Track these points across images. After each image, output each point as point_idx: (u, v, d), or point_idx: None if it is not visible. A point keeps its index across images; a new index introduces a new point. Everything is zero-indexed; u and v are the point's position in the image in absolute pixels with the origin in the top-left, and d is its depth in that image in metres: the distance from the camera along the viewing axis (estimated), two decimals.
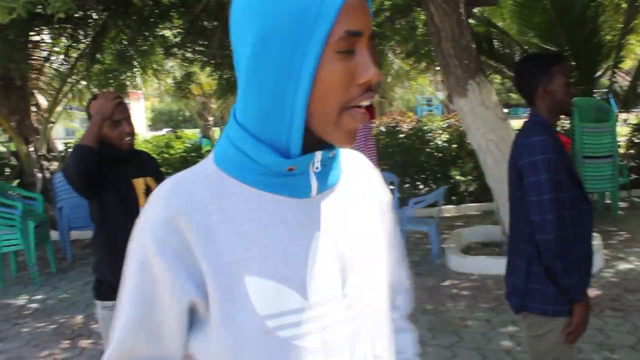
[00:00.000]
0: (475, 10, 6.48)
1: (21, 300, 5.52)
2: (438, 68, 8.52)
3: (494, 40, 7.53)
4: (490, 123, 5.07)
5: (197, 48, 7.60)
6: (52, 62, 8.99)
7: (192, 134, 20.99)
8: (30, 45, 8.23)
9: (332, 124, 0.76)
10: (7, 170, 8.10)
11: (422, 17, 7.28)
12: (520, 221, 2.08)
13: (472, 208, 8.18)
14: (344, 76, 0.74)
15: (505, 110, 5.75)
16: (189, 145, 9.39)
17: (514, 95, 28.17)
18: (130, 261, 0.80)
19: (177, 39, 7.87)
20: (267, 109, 0.77)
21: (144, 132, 29.46)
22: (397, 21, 7.44)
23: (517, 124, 7.54)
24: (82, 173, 2.27)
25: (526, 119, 2.17)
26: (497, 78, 10.64)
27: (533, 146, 1.97)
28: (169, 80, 9.59)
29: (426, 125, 8.80)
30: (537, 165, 1.95)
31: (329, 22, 0.72)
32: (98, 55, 8.03)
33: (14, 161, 8.31)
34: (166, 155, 8.80)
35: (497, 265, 5.21)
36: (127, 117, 2.44)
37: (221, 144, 0.83)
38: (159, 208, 0.78)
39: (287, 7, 0.72)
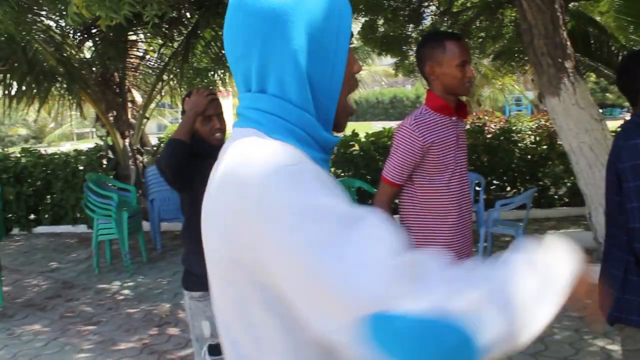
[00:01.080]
0: (570, 5, 6.21)
1: (114, 286, 5.81)
2: (527, 67, 8.25)
3: (590, 37, 7.19)
4: (584, 124, 4.86)
5: None
6: (147, 61, 9.38)
7: None
8: (127, 45, 8.63)
9: (346, 111, 0.98)
10: (105, 163, 8.53)
11: (512, 14, 7.07)
12: (617, 228, 1.97)
13: (561, 212, 7.86)
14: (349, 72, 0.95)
15: (600, 111, 5.45)
16: None
17: (610, 95, 26.80)
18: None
19: None
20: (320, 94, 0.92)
21: (231, 129, 30.18)
22: (485, 20, 7.26)
23: (613, 125, 7.18)
24: (175, 166, 2.36)
25: (627, 120, 2.05)
26: (592, 77, 10.15)
27: (635, 149, 1.86)
28: None
29: (515, 126, 8.53)
30: (639, 170, 1.84)
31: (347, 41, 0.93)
32: (190, 54, 8.32)
33: (110, 154, 8.74)
34: None
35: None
36: (219, 113, 2.51)
37: (274, 128, 0.89)
38: None
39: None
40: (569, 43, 4.89)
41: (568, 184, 7.89)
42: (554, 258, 0.84)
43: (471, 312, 0.69)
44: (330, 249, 0.72)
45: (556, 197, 8.11)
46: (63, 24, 7.34)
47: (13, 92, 7.92)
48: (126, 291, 5.64)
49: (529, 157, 8.06)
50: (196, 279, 2.43)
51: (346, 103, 0.96)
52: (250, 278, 0.82)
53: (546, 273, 0.80)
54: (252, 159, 0.81)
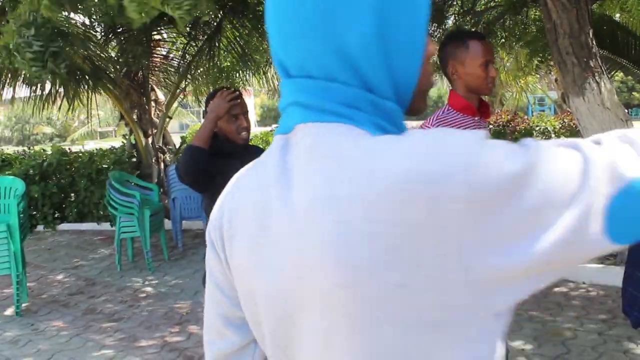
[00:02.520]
0: (594, 5, 6.13)
1: (136, 284, 5.86)
2: (552, 65, 8.15)
3: (618, 34, 7.08)
4: (610, 125, 4.78)
5: None
6: (171, 60, 9.46)
7: None
8: (151, 44, 8.70)
9: (425, 93, 0.81)
10: (128, 161, 8.61)
11: (536, 13, 6.99)
12: None
13: None
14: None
15: (626, 111, 5.37)
16: None
17: (636, 95, 26.39)
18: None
19: None
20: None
21: (253, 128, 30.37)
22: (509, 19, 7.19)
23: (639, 125, 7.07)
24: (193, 174, 2.37)
25: None
26: (619, 76, 10.00)
27: None
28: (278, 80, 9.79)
29: (538, 126, 8.45)
30: None
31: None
32: (214, 53, 8.36)
33: (134, 153, 8.83)
34: None
35: (611, 276, 4.92)
36: (245, 112, 2.51)
37: (367, 123, 0.72)
38: None
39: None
40: (594, 42, 4.83)
41: None
42: None
43: None
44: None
45: None
46: (90, 22, 7.42)
47: (42, 92, 8.04)
48: (147, 289, 5.69)
49: None
50: None
51: (427, 82, 0.79)
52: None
53: None
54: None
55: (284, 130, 0.77)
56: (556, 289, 4.97)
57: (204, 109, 2.65)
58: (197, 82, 9.20)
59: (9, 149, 16.99)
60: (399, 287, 0.65)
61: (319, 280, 0.68)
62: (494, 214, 0.62)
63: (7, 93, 8.28)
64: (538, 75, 12.92)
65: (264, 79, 9.82)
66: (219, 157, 2.43)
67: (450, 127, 2.20)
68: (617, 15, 8.18)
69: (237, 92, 2.54)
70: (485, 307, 0.67)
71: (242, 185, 0.83)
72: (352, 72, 0.72)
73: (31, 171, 8.51)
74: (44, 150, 9.21)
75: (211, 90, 9.96)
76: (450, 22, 7.44)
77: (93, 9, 4.73)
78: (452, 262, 0.64)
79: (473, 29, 7.00)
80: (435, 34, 7.39)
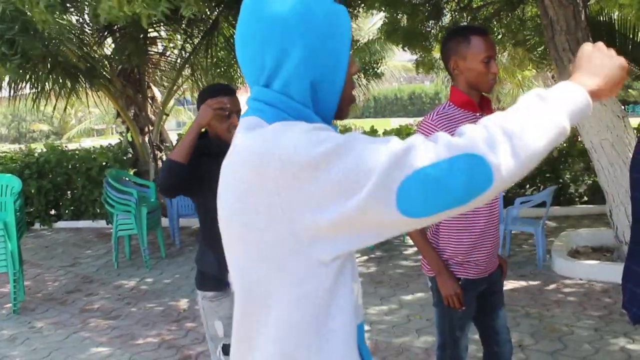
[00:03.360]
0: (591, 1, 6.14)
1: (133, 281, 5.86)
2: (545, 62, 8.16)
3: (615, 32, 7.08)
4: (606, 121, 4.79)
5: None
6: (167, 57, 9.44)
7: None
8: (147, 42, 8.68)
9: (349, 101, 1.12)
10: (124, 159, 8.60)
11: (533, 10, 6.99)
12: None
13: (581, 210, 7.77)
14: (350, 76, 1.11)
15: (622, 108, 5.35)
16: None
17: (632, 92, 26.41)
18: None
19: None
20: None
21: None
22: (505, 15, 7.19)
23: (635, 122, 7.07)
24: (173, 189, 2.33)
25: None
26: None
27: None
28: None
29: None
30: None
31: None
32: (209, 50, 8.35)
33: (130, 151, 8.82)
34: None
35: (607, 272, 4.93)
36: (238, 111, 2.44)
37: (273, 117, 1.03)
38: None
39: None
40: (591, 39, 4.83)
41: (588, 182, 7.80)
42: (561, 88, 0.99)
43: (479, 141, 0.85)
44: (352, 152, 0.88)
45: (576, 194, 8.02)
46: (82, 21, 7.40)
47: (36, 90, 8.01)
48: (145, 286, 5.69)
49: (549, 154, 7.97)
50: (209, 279, 2.45)
51: (349, 98, 1.11)
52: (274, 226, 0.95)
53: (553, 97, 0.95)
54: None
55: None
56: (553, 285, 4.98)
57: (197, 106, 2.53)
58: (193, 79, 9.19)
59: (4, 147, 16.94)
60: (245, 225, 0.98)
61: (221, 210, 1.05)
62: (307, 182, 0.88)
63: (3, 91, 8.25)
64: (534, 71, 12.93)
65: None
66: (208, 156, 2.34)
67: (451, 122, 2.20)
68: (616, 13, 8.18)
69: (227, 96, 2.42)
70: (309, 254, 0.96)
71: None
72: (283, 85, 1.03)
73: (27, 171, 8.48)
74: (33, 149, 9.15)
75: (204, 87, 9.96)
76: (447, 19, 7.42)
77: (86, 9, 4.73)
78: (278, 213, 0.93)
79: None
80: (432, 31, 7.39)
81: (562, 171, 7.90)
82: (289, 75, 1.03)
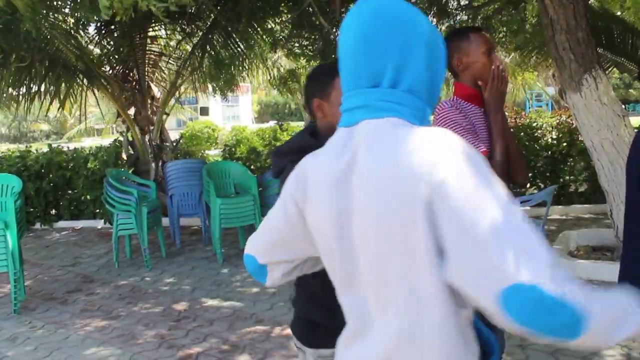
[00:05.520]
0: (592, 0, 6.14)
1: (133, 281, 5.86)
2: (545, 62, 8.16)
3: (614, 31, 7.09)
4: (607, 120, 4.79)
5: (303, 43, 7.72)
6: (166, 56, 9.43)
7: (296, 126, 21.38)
8: (146, 41, 8.68)
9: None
10: (124, 159, 8.60)
11: (534, 9, 6.99)
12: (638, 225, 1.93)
13: (581, 209, 7.77)
14: None
15: (623, 107, 5.35)
16: None
17: (633, 92, 26.42)
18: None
19: (284, 33, 8.01)
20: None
21: (250, 125, 30.31)
22: (507, 13, 7.19)
23: (636, 121, 7.06)
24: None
25: None
26: (615, 72, 10.00)
27: None
28: (275, 74, 9.77)
29: (535, 122, 8.45)
30: None
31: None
32: (209, 49, 8.35)
33: (130, 150, 8.82)
34: (272, 147, 8.98)
35: (608, 271, 4.93)
36: None
37: (410, 117, 1.10)
38: None
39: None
40: (591, 38, 4.83)
41: (589, 181, 7.80)
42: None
43: (586, 304, 0.90)
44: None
45: (577, 194, 8.02)
46: (81, 19, 7.40)
47: (34, 89, 8.02)
48: (145, 286, 5.69)
49: (550, 153, 7.98)
50: (327, 331, 1.66)
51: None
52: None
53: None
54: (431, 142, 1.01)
55: (348, 124, 1.14)
56: None
57: (304, 100, 2.04)
58: (193, 78, 9.19)
59: (4, 146, 16.94)
60: (411, 236, 0.99)
61: (370, 223, 1.05)
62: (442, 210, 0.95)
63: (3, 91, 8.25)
64: (536, 72, 12.93)
65: (262, 74, 9.81)
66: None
67: (465, 112, 2.21)
68: (618, 13, 8.18)
69: None
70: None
71: (316, 157, 1.20)
72: (412, 85, 1.11)
73: (25, 172, 8.48)
74: (30, 150, 9.15)
75: (210, 87, 10.02)
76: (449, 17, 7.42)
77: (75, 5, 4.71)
78: (422, 235, 0.98)
79: (471, 24, 7.00)
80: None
81: (563, 170, 7.90)
82: (415, 76, 1.11)
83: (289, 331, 4.37)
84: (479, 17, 7.20)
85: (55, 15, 6.53)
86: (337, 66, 1.70)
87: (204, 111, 36.12)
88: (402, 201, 0.99)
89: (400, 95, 1.10)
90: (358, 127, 1.12)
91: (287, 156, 1.82)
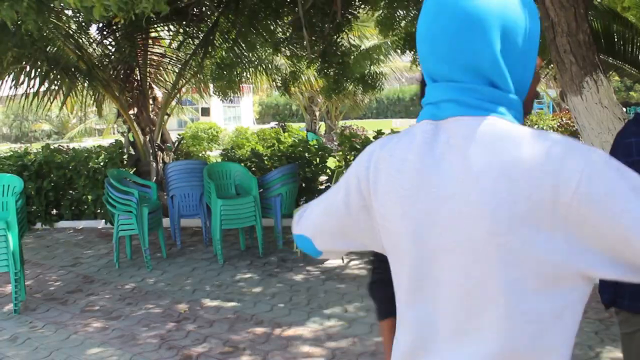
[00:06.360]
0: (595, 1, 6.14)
1: (134, 281, 5.87)
2: (546, 65, 8.15)
3: (615, 35, 7.08)
4: (607, 123, 4.79)
5: (305, 44, 7.72)
6: (168, 57, 9.45)
7: (297, 128, 21.40)
8: (148, 42, 8.70)
9: (533, 98, 1.11)
10: (125, 159, 8.62)
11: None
12: None
13: None
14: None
15: (624, 110, 5.36)
16: (296, 140, 9.52)
17: (634, 94, 26.41)
18: None
19: (286, 35, 8.02)
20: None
21: (251, 125, 30.33)
22: None
23: None
24: None
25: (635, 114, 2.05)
26: (616, 76, 10.01)
27: (628, 147, 1.87)
28: (277, 76, 9.78)
29: (536, 124, 8.46)
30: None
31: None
32: (211, 51, 8.36)
33: (132, 151, 8.83)
34: (275, 150, 8.97)
35: None
36: None
37: (513, 117, 1.00)
38: None
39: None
40: (592, 40, 4.83)
41: None
42: None
43: None
44: None
45: None
46: (82, 20, 7.43)
47: (35, 89, 8.03)
48: (146, 286, 5.69)
49: None
50: None
51: (534, 90, 1.09)
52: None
53: None
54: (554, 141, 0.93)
55: (435, 118, 1.02)
56: None
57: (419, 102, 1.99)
58: (195, 79, 9.21)
59: (6, 146, 16.93)
60: (526, 244, 0.90)
61: (474, 228, 0.94)
62: (588, 213, 0.88)
63: (4, 90, 8.27)
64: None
65: (263, 76, 9.82)
66: None
67: None
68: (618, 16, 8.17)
69: None
70: (577, 268, 0.92)
71: (391, 150, 1.07)
72: (489, 79, 0.99)
73: (26, 172, 8.48)
74: (29, 150, 9.16)
75: (211, 88, 10.01)
76: None
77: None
78: (560, 236, 0.90)
79: None
80: None
81: None
82: (508, 72, 1.00)
83: (289, 332, 4.38)
84: None
85: (59, 16, 6.54)
86: None
87: (205, 112, 36.10)
88: (526, 205, 0.90)
89: (489, 91, 0.99)
90: (448, 122, 1.01)
91: None
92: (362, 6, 7.27)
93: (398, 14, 6.98)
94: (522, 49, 1.00)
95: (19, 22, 4.93)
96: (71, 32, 7.74)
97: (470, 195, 0.94)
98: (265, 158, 8.64)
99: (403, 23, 7.12)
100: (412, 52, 7.68)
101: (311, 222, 1.27)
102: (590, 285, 0.97)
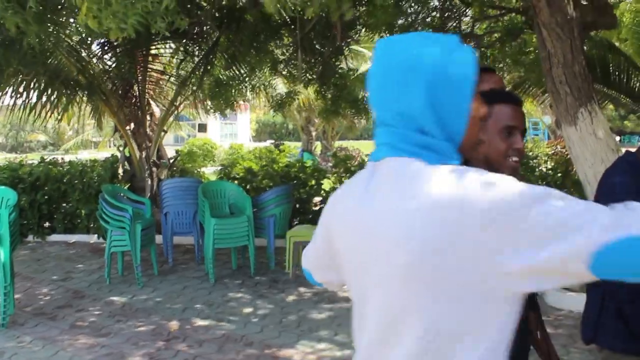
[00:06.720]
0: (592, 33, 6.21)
1: (124, 298, 5.83)
2: (543, 93, 8.24)
3: (610, 65, 7.17)
4: (601, 154, 4.83)
5: (304, 66, 7.78)
6: (168, 75, 9.49)
7: (293, 147, 21.45)
8: (148, 59, 8.74)
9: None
10: (121, 174, 8.61)
11: (533, 40, 7.06)
12: None
13: None
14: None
15: (618, 138, 5.42)
16: (290, 160, 9.53)
17: (628, 123, 26.63)
18: None
19: (285, 56, 8.08)
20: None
21: (248, 143, 30.38)
22: (508, 44, 7.26)
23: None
24: None
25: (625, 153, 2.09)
26: (611, 107, 10.12)
27: (612, 187, 1.92)
28: (273, 97, 9.85)
29: (531, 152, 8.51)
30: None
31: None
32: (210, 69, 8.41)
33: (127, 166, 8.82)
34: (269, 169, 8.97)
35: None
36: (523, 130, 1.80)
37: (432, 160, 1.07)
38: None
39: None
40: (587, 72, 4.89)
41: None
42: None
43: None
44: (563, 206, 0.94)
45: None
46: (84, 35, 7.47)
47: (34, 101, 8.04)
48: (136, 303, 5.66)
49: (544, 184, 8.02)
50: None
51: (473, 140, 1.15)
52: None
53: None
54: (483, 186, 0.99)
55: (374, 159, 1.14)
56: (543, 317, 4.97)
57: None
58: (193, 97, 9.24)
59: (1, 156, 16.87)
60: (436, 268, 0.98)
61: (390, 260, 1.03)
62: (517, 222, 0.94)
63: (2, 100, 8.26)
64: (536, 101, 13.03)
65: (261, 94, 9.87)
66: None
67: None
68: (617, 43, 8.29)
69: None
70: (500, 292, 0.99)
71: (343, 193, 1.22)
72: (418, 126, 1.08)
73: (20, 185, 8.46)
74: (22, 164, 9.16)
75: (209, 105, 10.05)
76: None
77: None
78: (480, 254, 0.96)
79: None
80: None
81: None
82: (440, 119, 1.08)
83: (279, 354, 4.36)
84: (481, 47, 7.27)
85: (60, 30, 6.57)
86: (494, 93, 1.77)
87: (202, 128, 36.18)
88: (436, 237, 0.98)
89: (417, 137, 1.08)
90: (381, 163, 1.11)
91: None
92: (363, 30, 7.34)
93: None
94: (452, 97, 1.08)
95: (21, 34, 4.97)
96: (72, 44, 7.77)
97: (388, 230, 1.03)
98: (259, 177, 8.64)
99: None
100: None
101: (307, 257, 1.43)
102: (513, 305, 1.03)
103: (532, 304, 1.94)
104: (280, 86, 10.86)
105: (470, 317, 1.01)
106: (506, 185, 0.97)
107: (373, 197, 1.09)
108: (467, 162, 1.65)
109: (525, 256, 0.94)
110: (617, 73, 7.12)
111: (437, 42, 1.10)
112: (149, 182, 8.60)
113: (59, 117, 8.69)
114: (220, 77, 8.63)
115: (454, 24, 7.15)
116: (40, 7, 4.23)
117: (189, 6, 6.11)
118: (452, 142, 1.10)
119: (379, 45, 1.15)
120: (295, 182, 8.19)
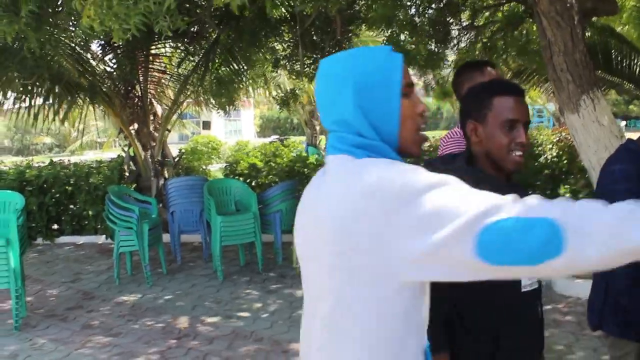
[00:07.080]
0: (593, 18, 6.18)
1: (134, 297, 5.88)
2: (545, 81, 8.22)
3: (612, 52, 7.14)
4: (604, 141, 4.82)
5: (306, 61, 7.78)
6: (169, 74, 9.52)
7: (298, 141, 21.44)
8: (149, 58, 8.77)
9: (415, 141, 1.27)
10: (126, 175, 8.65)
11: (534, 29, 7.04)
12: None
13: None
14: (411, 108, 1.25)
15: (623, 123, 5.41)
16: (295, 155, 9.54)
17: (634, 108, 26.49)
18: None
19: (286, 52, 8.08)
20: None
21: (252, 139, 30.40)
22: (509, 34, 7.24)
23: (636, 137, 7.09)
24: None
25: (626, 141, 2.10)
26: (612, 94, 10.07)
27: (611, 175, 1.93)
28: (276, 92, 9.85)
29: (536, 139, 8.49)
30: (607, 195, 1.88)
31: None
32: (211, 67, 8.42)
33: (132, 166, 8.86)
34: (273, 164, 9.00)
35: None
36: (527, 122, 1.73)
37: (362, 155, 1.20)
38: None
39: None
40: (589, 59, 4.88)
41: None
42: None
43: (567, 219, 0.96)
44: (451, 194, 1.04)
45: None
46: (85, 37, 7.50)
47: (39, 103, 8.09)
48: (146, 303, 5.70)
49: (550, 171, 8.01)
50: None
51: (413, 135, 1.25)
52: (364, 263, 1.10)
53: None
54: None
55: (326, 159, 1.28)
56: (552, 305, 4.99)
57: (459, 120, 1.86)
58: (195, 95, 9.26)
59: (8, 159, 16.95)
60: (341, 253, 1.11)
61: (314, 245, 1.20)
62: (408, 211, 1.03)
63: (7, 104, 8.31)
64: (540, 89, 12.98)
65: (264, 90, 9.89)
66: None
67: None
68: (619, 28, 8.24)
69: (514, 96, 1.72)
70: (397, 277, 1.09)
71: (307, 188, 1.33)
72: (355, 130, 1.22)
73: (28, 187, 8.52)
74: (29, 166, 9.21)
75: (212, 102, 10.08)
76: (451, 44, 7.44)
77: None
78: (380, 240, 1.07)
79: (472, 41, 7.06)
80: (441, 55, 7.36)
81: (563, 188, 7.92)
82: (371, 121, 1.21)
83: (289, 349, 4.39)
84: (482, 38, 7.24)
85: (60, 33, 6.60)
86: (493, 85, 1.77)
87: (206, 125, 36.20)
88: (348, 222, 1.10)
89: (352, 138, 1.22)
90: (326, 161, 1.27)
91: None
92: (363, 24, 7.33)
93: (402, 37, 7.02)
94: (378, 102, 1.21)
95: (21, 40, 5.00)
96: (73, 45, 7.79)
97: (318, 212, 1.19)
98: (264, 173, 8.66)
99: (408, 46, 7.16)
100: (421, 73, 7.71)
101: None
102: (412, 289, 1.13)
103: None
104: (285, 82, 10.86)
105: (371, 299, 1.12)
106: (407, 174, 1.08)
107: (319, 188, 1.24)
108: (472, 157, 1.72)
109: (417, 242, 1.02)
110: (619, 59, 7.08)
111: (364, 54, 1.23)
112: (155, 181, 8.64)
113: (63, 120, 8.74)
114: (221, 73, 8.63)
115: (453, 18, 7.12)
116: (37, 13, 4.25)
117: (187, 5, 6.13)
118: (388, 141, 1.22)
119: (320, 65, 1.29)
120: (299, 177, 8.21)
